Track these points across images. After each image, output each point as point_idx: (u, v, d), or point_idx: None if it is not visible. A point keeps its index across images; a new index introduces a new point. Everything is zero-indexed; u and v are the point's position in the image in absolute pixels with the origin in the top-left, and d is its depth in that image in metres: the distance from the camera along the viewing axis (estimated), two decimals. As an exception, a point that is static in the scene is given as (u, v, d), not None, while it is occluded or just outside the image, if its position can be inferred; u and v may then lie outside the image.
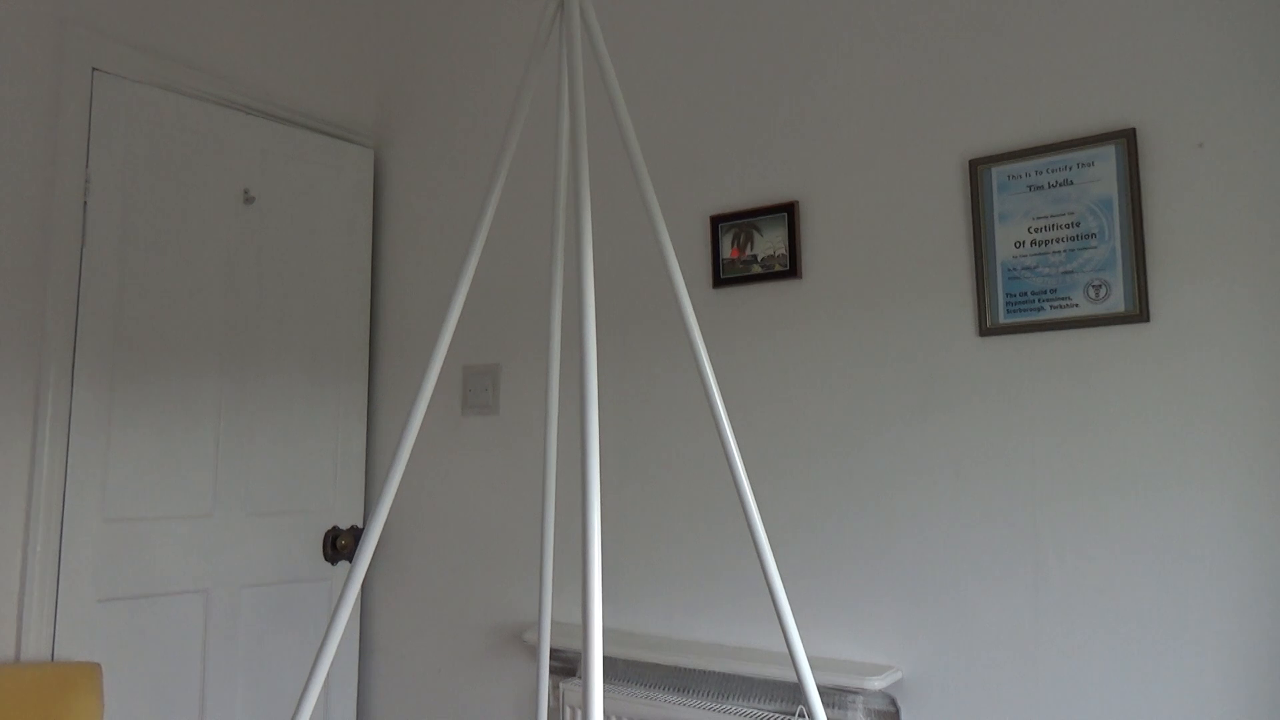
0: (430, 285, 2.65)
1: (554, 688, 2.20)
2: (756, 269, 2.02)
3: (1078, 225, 1.64)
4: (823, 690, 1.83)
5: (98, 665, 1.88)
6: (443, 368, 2.56)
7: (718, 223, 2.08)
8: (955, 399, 1.77)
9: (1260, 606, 1.47)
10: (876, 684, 1.72)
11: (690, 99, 2.19)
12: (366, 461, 2.70)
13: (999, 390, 1.72)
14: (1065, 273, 1.65)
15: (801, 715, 1.80)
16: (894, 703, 1.77)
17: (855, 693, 1.80)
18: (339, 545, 2.57)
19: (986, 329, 1.73)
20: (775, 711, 1.85)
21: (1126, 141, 1.60)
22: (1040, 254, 1.68)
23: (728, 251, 2.07)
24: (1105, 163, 1.62)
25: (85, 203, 2.12)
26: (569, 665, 2.19)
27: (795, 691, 1.86)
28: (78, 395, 2.09)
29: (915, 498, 1.80)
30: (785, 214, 1.99)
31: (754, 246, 2.03)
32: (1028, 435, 1.69)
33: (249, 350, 2.43)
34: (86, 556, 2.08)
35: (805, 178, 1.99)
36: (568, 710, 2.07)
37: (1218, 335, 1.53)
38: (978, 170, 1.75)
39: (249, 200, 2.45)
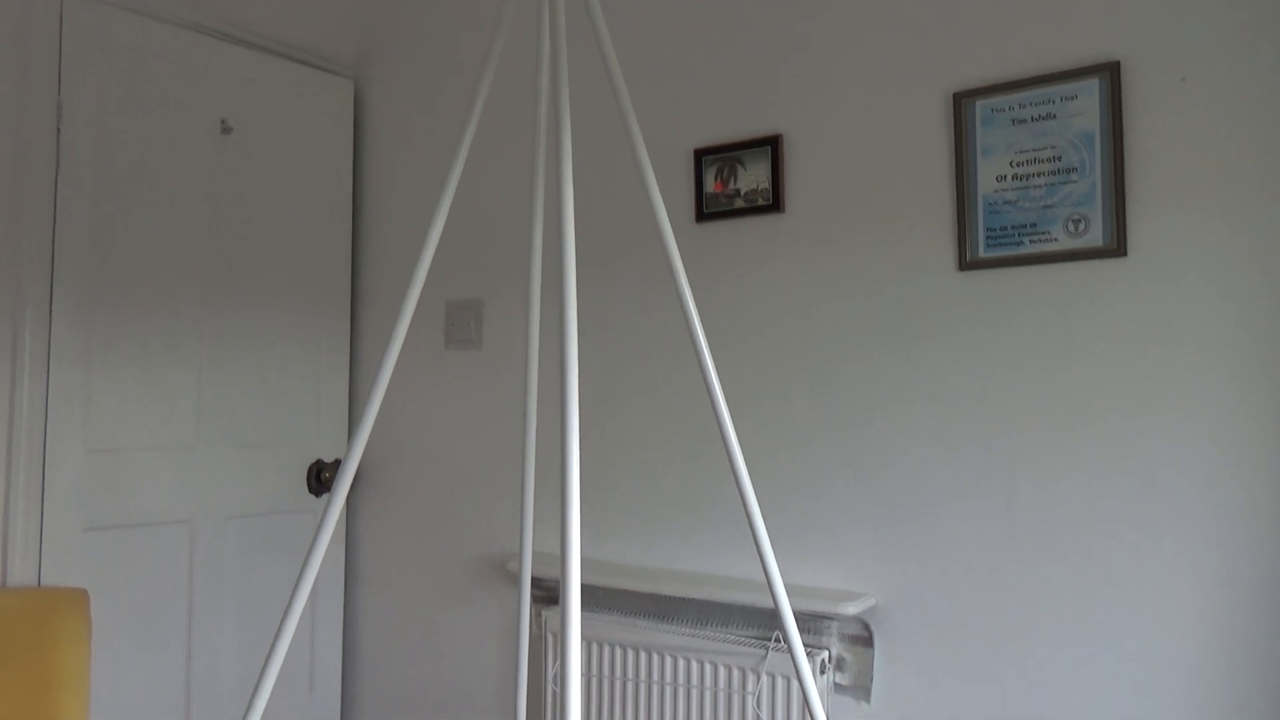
0: (412, 219, 2.63)
1: (536, 615, 2.24)
2: (740, 203, 2.01)
3: (1059, 159, 1.64)
4: (799, 616, 1.87)
5: (85, 591, 1.90)
6: (426, 303, 2.56)
7: (701, 156, 2.07)
8: (934, 332, 1.79)
9: (1231, 534, 1.51)
10: (851, 609, 1.76)
11: (675, 29, 2.16)
12: (350, 395, 2.70)
13: (977, 324, 1.74)
14: (1045, 207, 1.65)
15: (778, 640, 1.85)
16: (867, 627, 1.82)
17: (830, 618, 1.85)
18: (323, 478, 2.59)
19: (966, 263, 1.74)
20: (752, 637, 1.90)
21: (1110, 75, 1.60)
22: (1021, 188, 1.68)
23: (711, 185, 2.06)
24: (1088, 96, 1.62)
25: (58, 129, 2.08)
26: (550, 594, 2.23)
27: (772, 618, 1.90)
28: (56, 326, 2.08)
29: (892, 430, 1.82)
30: (769, 147, 1.98)
31: (737, 180, 2.02)
32: (1004, 368, 1.71)
33: (229, 282, 2.41)
34: (70, 486, 2.09)
35: (790, 110, 1.98)
36: (549, 636, 2.11)
37: (1194, 270, 1.55)
38: (962, 104, 1.75)
39: (226, 130, 2.41)
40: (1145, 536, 1.58)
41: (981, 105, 1.73)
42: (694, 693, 1.90)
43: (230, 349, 2.41)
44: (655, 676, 1.95)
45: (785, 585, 1.91)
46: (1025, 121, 1.68)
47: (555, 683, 2.09)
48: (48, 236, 2.06)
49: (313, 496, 2.58)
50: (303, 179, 2.58)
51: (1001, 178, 1.70)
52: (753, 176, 2.00)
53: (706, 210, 2.06)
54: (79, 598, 1.87)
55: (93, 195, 2.15)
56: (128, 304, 2.21)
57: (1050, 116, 1.65)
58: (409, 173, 2.64)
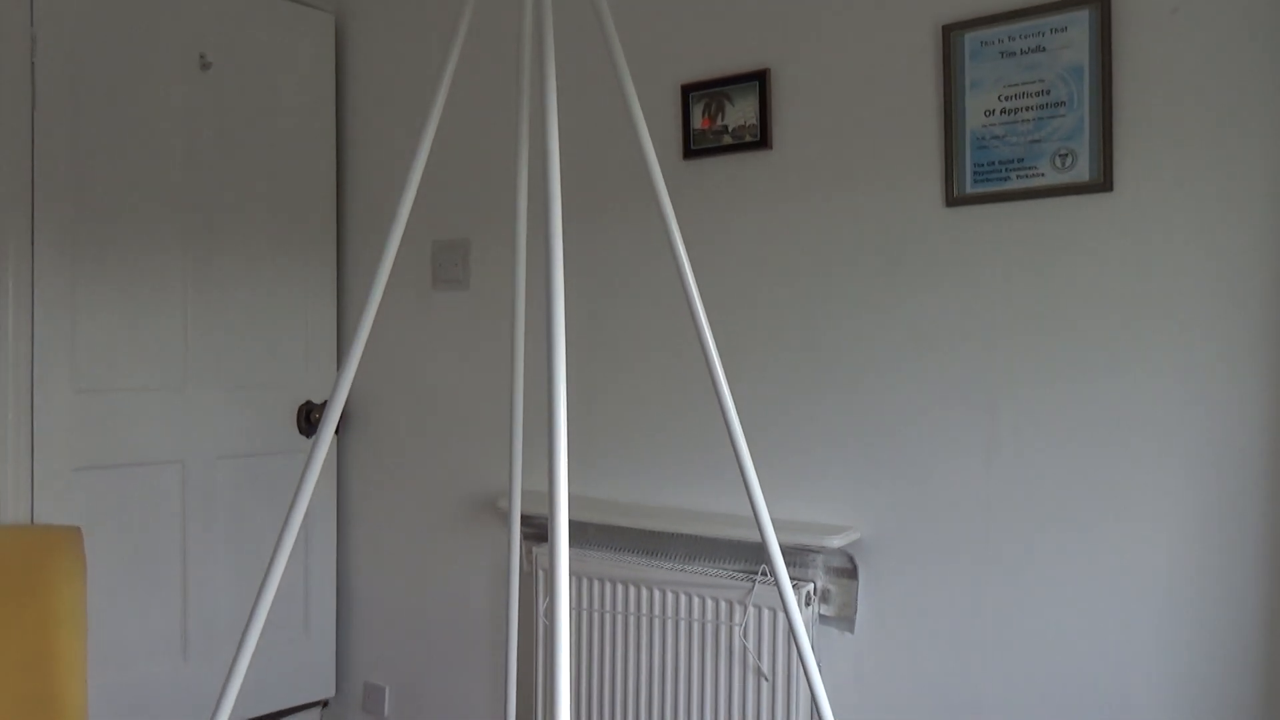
0: (397, 156, 2.60)
1: (527, 552, 2.28)
2: (727, 139, 2.00)
3: (1048, 93, 1.63)
4: (785, 550, 1.90)
5: (78, 528, 1.91)
6: (413, 243, 2.54)
7: (689, 92, 2.04)
8: (921, 269, 1.79)
9: (1209, 465, 1.54)
10: (836, 543, 1.79)
11: (661, -40, 2.11)
12: (338, 337, 2.70)
13: (964, 260, 1.74)
14: (1033, 141, 1.64)
15: (764, 573, 1.88)
16: (852, 560, 1.86)
17: (816, 551, 1.88)
18: (312, 419, 2.60)
19: (953, 199, 1.73)
20: (740, 571, 1.93)
21: (1101, 6, 1.58)
22: (1009, 123, 1.67)
23: (699, 121, 2.04)
24: (1079, 28, 1.60)
25: (33, 64, 2.04)
26: (540, 530, 2.26)
27: (758, 551, 1.94)
28: (39, 266, 2.06)
29: (878, 366, 1.83)
30: (757, 82, 1.95)
31: (725, 116, 2.00)
32: (989, 304, 1.72)
33: (214, 221, 2.39)
34: (60, 426, 2.09)
35: (778, 44, 1.95)
36: (539, 573, 2.14)
37: (1179, 205, 1.55)
38: (951, 36, 1.72)
39: (205, 66, 2.37)
40: (1125, 469, 1.60)
41: (970, 38, 1.70)
42: (682, 625, 1.94)
43: (216, 289, 2.40)
44: (644, 610, 1.99)
45: (771, 520, 1.94)
46: (1014, 54, 1.66)
47: (546, 617, 2.13)
48: (26, 175, 2.04)
49: (303, 437, 2.59)
50: (285, 116, 2.54)
51: (990, 112, 1.69)
52: (741, 112, 1.98)
53: (694, 147, 2.04)
54: (73, 535, 1.89)
55: (71, 133, 2.11)
56: (111, 244, 2.19)
57: (1039, 49, 1.64)
58: (393, 109, 2.60)
